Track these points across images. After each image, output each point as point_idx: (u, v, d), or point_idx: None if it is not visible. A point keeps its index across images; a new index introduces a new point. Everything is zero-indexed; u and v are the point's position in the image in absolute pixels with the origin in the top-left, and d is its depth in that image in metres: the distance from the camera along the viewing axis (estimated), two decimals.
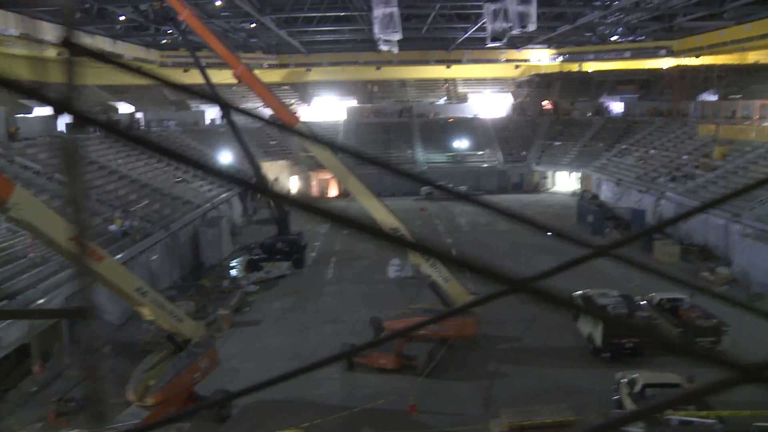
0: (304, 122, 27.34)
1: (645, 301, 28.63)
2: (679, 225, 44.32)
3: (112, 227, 34.35)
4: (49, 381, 24.82)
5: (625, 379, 20.62)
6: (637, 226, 45.31)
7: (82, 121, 2.04)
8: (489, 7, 40.69)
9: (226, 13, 48.77)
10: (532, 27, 35.95)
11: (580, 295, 27.85)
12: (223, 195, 50.29)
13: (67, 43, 2.09)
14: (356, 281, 36.43)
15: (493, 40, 42.63)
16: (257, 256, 39.40)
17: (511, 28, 38.73)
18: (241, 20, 52.33)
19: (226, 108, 37.13)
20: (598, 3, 46.49)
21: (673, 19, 54.16)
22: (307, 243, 41.19)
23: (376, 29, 36.94)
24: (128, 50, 57.99)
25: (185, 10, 26.80)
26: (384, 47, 45.74)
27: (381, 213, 25.38)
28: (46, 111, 50.34)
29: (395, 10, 35.05)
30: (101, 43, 53.46)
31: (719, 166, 46.98)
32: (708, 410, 18.41)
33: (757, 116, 50.14)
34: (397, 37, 38.49)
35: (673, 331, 25.38)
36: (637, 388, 19.67)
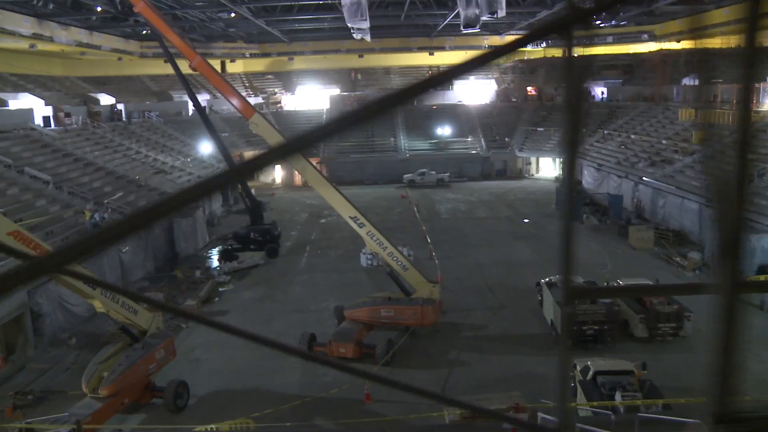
0: (261, 113, 26.95)
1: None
2: (656, 210, 44.42)
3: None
4: (11, 374, 24.78)
5: (579, 367, 20.57)
6: (615, 212, 45.25)
7: None
8: None
9: (201, 3, 48.33)
10: (501, 13, 35.77)
11: (546, 283, 27.82)
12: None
13: None
14: (328, 270, 36.40)
15: (466, 26, 42.43)
16: (231, 246, 39.36)
17: (493, 14, 38.53)
18: (218, 10, 51.90)
19: (195, 98, 37.08)
20: None
21: (651, 4, 53.83)
22: (281, 232, 41.09)
23: (345, 17, 36.68)
24: (106, 41, 57.47)
25: (140, 2, 26.54)
26: (357, 35, 45.50)
27: (339, 202, 25.25)
28: (22, 104, 50.23)
29: None
30: (77, 34, 52.99)
31: (697, 150, 46.83)
32: (655, 398, 18.39)
33: (735, 100, 49.82)
34: (366, 25, 38.26)
35: (635, 317, 25.33)
36: (589, 375, 19.64)
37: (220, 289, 34.33)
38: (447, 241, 41.46)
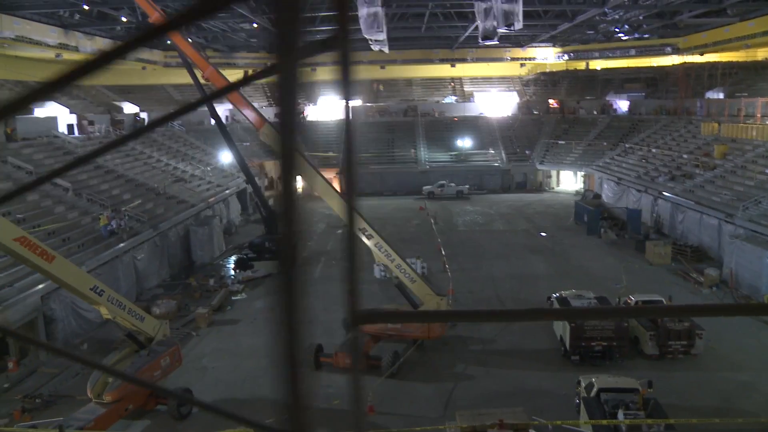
0: (271, 124, 27.11)
1: (623, 304, 28.23)
2: (675, 225, 43.90)
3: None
4: (23, 378, 25.14)
5: (584, 384, 20.35)
6: (633, 227, 44.80)
7: None
8: (480, 6, 40.46)
9: (223, 14, 48.85)
10: (518, 26, 35.64)
11: (557, 297, 27.58)
12: (219, 195, 50.47)
13: None
14: (341, 281, 36.31)
15: (485, 38, 42.37)
16: (246, 256, 39.54)
17: (509, 26, 38.44)
18: (240, 21, 52.44)
19: (213, 107, 37.41)
20: (594, 0, 46.04)
21: (674, 16, 53.43)
22: (297, 242, 41.12)
23: (362, 29, 36.86)
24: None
25: (155, 13, 26.91)
26: (374, 47, 45.66)
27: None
28: (48, 112, 51.12)
29: (379, 9, 34.93)
30: (102, 44, 53.89)
31: (719, 165, 46.28)
32: (659, 417, 18.11)
33: (759, 114, 49.31)
34: (382, 36, 38.39)
35: (645, 334, 25.02)
36: (593, 392, 19.41)
37: (233, 298, 34.51)
38: (462, 253, 41.31)
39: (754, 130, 47.19)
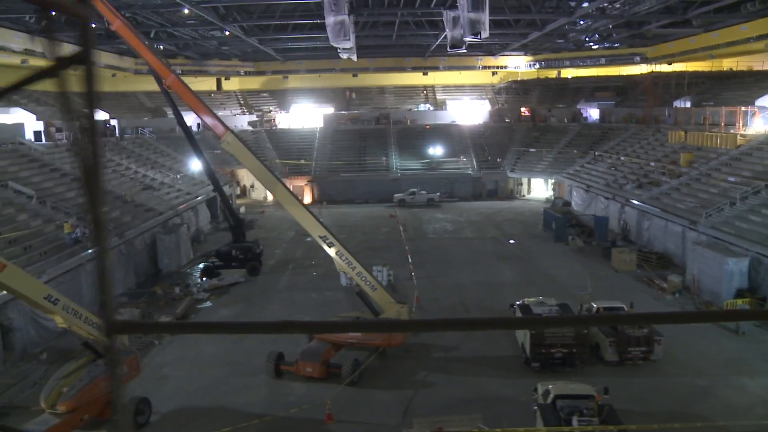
0: (234, 133, 26.99)
1: (585, 310, 28.47)
2: (641, 232, 44.39)
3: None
4: None
5: (541, 390, 20.45)
6: (600, 234, 45.21)
7: None
8: (448, 15, 40.76)
9: (192, 21, 48.74)
10: (484, 34, 35.80)
11: (519, 305, 27.73)
12: (189, 203, 50.17)
13: None
14: (307, 289, 36.32)
15: (453, 47, 42.69)
16: (213, 264, 39.39)
17: (476, 35, 38.60)
18: (210, 28, 52.26)
19: (179, 114, 37.21)
20: (563, 10, 46.52)
21: (641, 26, 54.15)
22: (263, 250, 41.07)
23: (330, 37, 36.90)
24: (100, 58, 57.90)
25: (116, 20, 26.75)
26: (343, 55, 45.74)
27: (308, 221, 25.22)
28: (14, 119, 50.52)
29: (346, 18, 34.99)
30: (69, 50, 53.25)
31: (684, 173, 46.90)
32: (613, 424, 18.24)
33: (723, 123, 50.08)
34: (349, 44, 38.44)
35: (605, 340, 25.23)
36: (549, 399, 19.51)
37: (199, 306, 34.28)
38: (430, 261, 41.42)
39: (718, 139, 47.89)
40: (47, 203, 38.03)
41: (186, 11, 48.49)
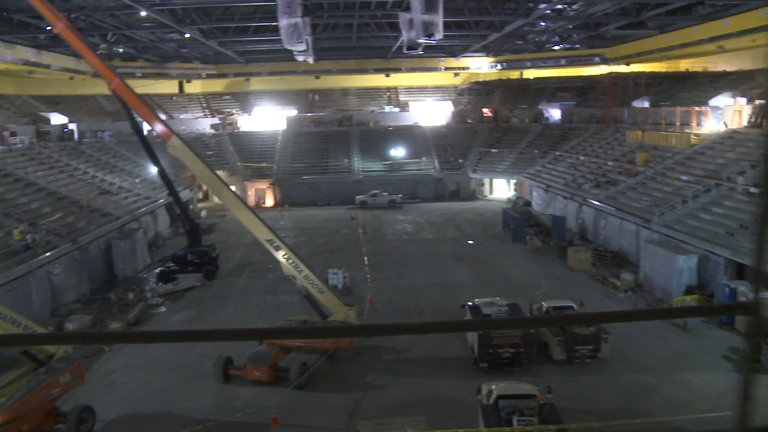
0: (179, 136, 26.78)
1: (536, 310, 28.71)
2: (598, 231, 44.88)
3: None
4: None
5: (485, 391, 20.56)
6: (558, 233, 45.61)
7: None
8: (404, 17, 40.77)
9: (148, 24, 48.22)
10: (438, 36, 35.83)
11: (469, 306, 27.83)
12: (146, 207, 49.65)
13: None
14: (263, 292, 36.16)
15: (409, 49, 42.79)
16: (169, 268, 39.03)
17: (429, 37, 38.63)
18: (168, 31, 51.76)
19: (132, 118, 36.70)
20: (520, 11, 46.88)
21: (599, 28, 54.78)
22: (219, 254, 40.78)
23: (283, 39, 36.75)
24: (56, 60, 57.00)
25: (59, 23, 26.40)
26: (299, 58, 45.60)
27: (255, 225, 25.13)
28: None
29: (299, 20, 34.87)
30: (23, 53, 52.59)
31: (641, 172, 47.51)
32: (554, 422, 18.41)
33: (678, 122, 50.86)
34: (303, 47, 38.33)
35: (553, 339, 25.44)
36: (492, 399, 19.62)
37: (153, 312, 33.94)
38: (388, 262, 41.47)
39: (673, 138, 48.62)
40: None
41: (143, 14, 48.01)
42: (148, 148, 38.37)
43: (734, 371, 24.51)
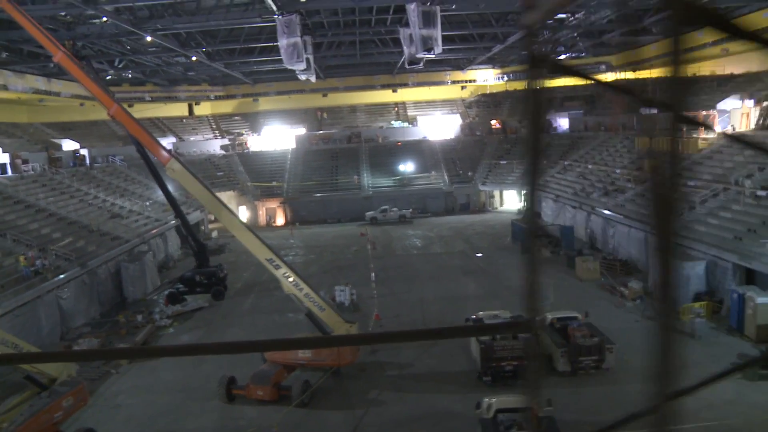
0: (177, 159, 27.05)
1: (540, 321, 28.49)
2: (606, 240, 44.61)
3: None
4: None
5: (485, 405, 20.44)
6: (566, 243, 45.37)
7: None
8: (405, 32, 41.07)
9: (153, 49, 48.86)
10: (437, 50, 36.14)
11: (473, 319, 27.76)
12: (155, 230, 50.04)
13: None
14: (270, 312, 36.22)
15: (411, 63, 43.01)
16: (178, 290, 39.27)
17: (429, 51, 38.86)
18: (174, 54, 52.41)
19: (137, 142, 37.07)
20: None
21: (602, 35, 54.75)
22: (227, 274, 40.98)
23: (283, 59, 37.11)
24: (66, 88, 57.93)
25: (58, 52, 26.89)
26: (301, 77, 45.97)
27: (254, 245, 25.26)
28: None
29: (298, 39, 35.21)
30: (33, 81, 53.50)
31: (649, 178, 47.16)
32: None
33: (685, 128, 50.49)
34: (302, 66, 38.65)
35: (557, 351, 25.26)
36: (490, 413, 19.52)
37: (161, 333, 34.14)
38: (396, 277, 41.45)
39: (680, 144, 48.18)
40: (7, 236, 37.82)
41: (148, 39, 48.71)
42: (154, 171, 38.77)
43: (743, 379, 24.21)
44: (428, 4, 35.30)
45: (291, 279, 24.89)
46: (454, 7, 38.05)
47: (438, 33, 35.88)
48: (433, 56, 38.25)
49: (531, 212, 3.09)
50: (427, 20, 35.49)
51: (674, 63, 2.25)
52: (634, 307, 33.52)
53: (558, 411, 20.94)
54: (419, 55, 37.01)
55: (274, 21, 36.21)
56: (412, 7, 35.20)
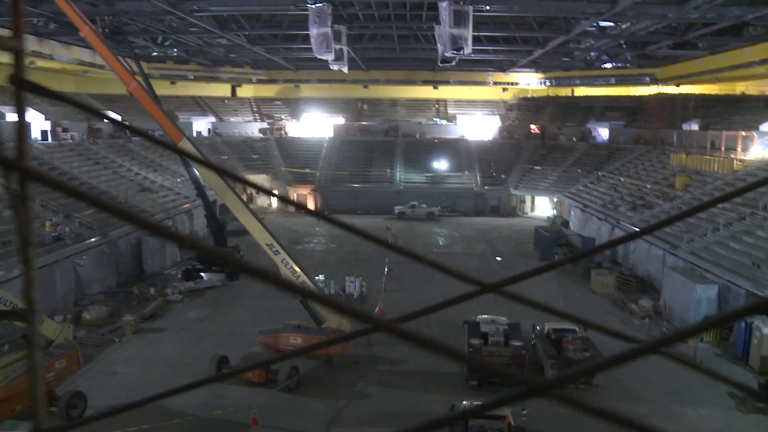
0: (189, 139, 27.65)
1: (538, 331, 28.48)
2: (627, 255, 43.97)
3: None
4: None
5: (461, 408, 20.50)
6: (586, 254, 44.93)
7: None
8: (439, 30, 40.89)
9: (194, 29, 49.58)
10: (467, 50, 35.91)
11: (469, 322, 27.81)
12: (183, 206, 51.01)
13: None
14: (280, 296, 36.44)
15: (443, 62, 42.85)
16: (194, 267, 40.03)
17: (458, 51, 38.63)
18: (215, 36, 53.12)
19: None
20: (561, 28, 46.46)
21: (645, 47, 53.79)
22: (243, 256, 41.61)
23: (313, 48, 37.43)
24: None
25: (84, 27, 27.65)
26: (334, 67, 46.23)
27: (256, 229, 25.68)
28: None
29: (328, 30, 35.45)
30: (78, 53, 54.85)
31: (678, 196, 46.42)
32: None
33: (723, 147, 49.50)
34: (331, 56, 38.89)
35: (547, 362, 25.16)
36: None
37: (170, 309, 34.89)
38: (410, 274, 41.42)
39: (716, 163, 47.32)
40: (36, 200, 38.99)
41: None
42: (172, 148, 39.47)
43: (736, 409, 23.81)
44: (461, 3, 35.15)
45: (288, 266, 25.25)
46: (487, 8, 37.82)
47: (469, 33, 35.65)
48: (463, 56, 37.99)
49: None
50: (459, 19, 35.29)
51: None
52: (641, 326, 33.08)
53: (534, 422, 20.96)
54: (448, 54, 36.82)
55: (307, 9, 36.51)
56: (444, 5, 35.07)
